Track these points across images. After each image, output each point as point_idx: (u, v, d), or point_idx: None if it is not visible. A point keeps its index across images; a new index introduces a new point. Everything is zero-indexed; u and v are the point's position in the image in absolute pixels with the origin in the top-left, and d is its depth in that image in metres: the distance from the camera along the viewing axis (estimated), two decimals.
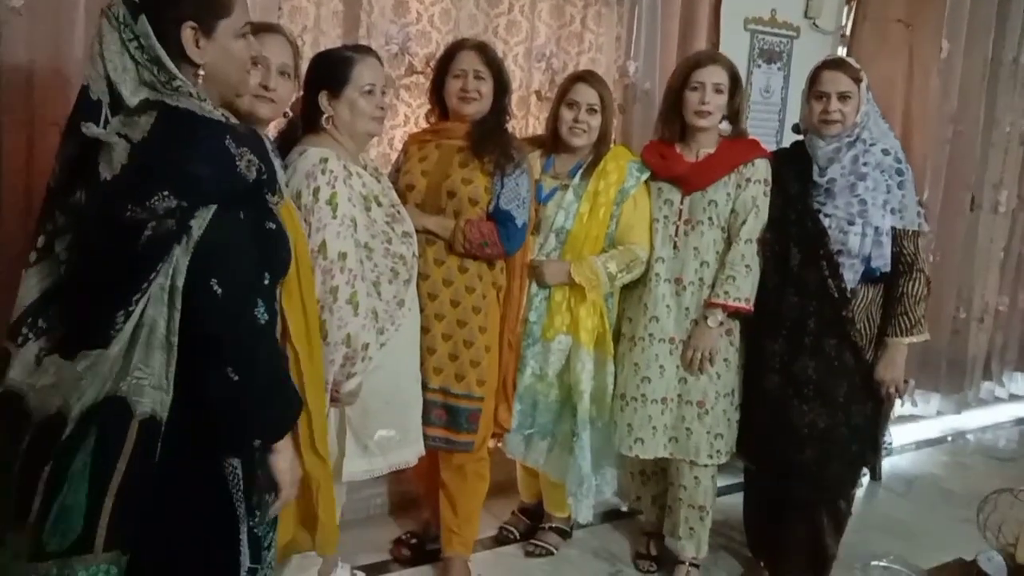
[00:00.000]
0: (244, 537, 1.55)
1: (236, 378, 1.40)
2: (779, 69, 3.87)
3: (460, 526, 2.68)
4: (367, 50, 2.27)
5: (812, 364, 2.51)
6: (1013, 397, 5.16)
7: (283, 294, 1.88)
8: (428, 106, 2.66)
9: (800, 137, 2.67)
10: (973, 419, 4.77)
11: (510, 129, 2.64)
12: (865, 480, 2.75)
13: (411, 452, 2.41)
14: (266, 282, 1.53)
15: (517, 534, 3.03)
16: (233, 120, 1.48)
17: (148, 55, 1.40)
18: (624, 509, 3.19)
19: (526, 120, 3.16)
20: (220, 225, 1.39)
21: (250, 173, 1.42)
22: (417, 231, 2.41)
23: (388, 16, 2.82)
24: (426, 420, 2.50)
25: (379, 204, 2.24)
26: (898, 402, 2.72)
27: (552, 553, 2.93)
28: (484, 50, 2.55)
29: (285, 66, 1.96)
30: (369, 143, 2.39)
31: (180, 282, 1.36)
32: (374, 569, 2.75)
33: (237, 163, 1.41)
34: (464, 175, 2.49)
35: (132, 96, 1.40)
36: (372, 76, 2.17)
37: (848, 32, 4.04)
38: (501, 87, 2.55)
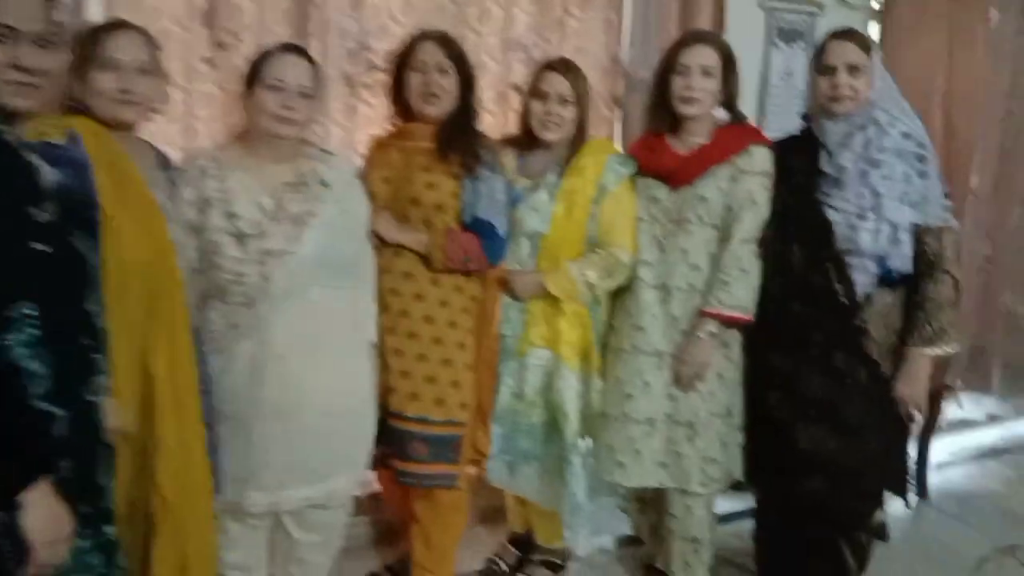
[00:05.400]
0: None
1: None
2: (802, 49, 3.53)
3: (434, 563, 2.44)
4: (292, 48, 2.11)
5: (818, 381, 2.22)
6: None
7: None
8: (389, 107, 2.44)
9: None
10: None
11: (484, 127, 2.41)
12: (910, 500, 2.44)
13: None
14: (26, 311, 1.37)
15: (506, 567, 2.78)
16: None
17: None
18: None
19: (505, 116, 2.92)
20: None
21: None
22: (389, 244, 2.24)
23: (344, 10, 2.61)
24: (403, 455, 2.30)
25: (231, 215, 2.01)
26: (918, 416, 2.41)
27: None
28: (446, 42, 2.33)
29: (141, 63, 1.82)
30: (286, 145, 2.06)
31: None
32: None
33: None
34: (428, 179, 2.28)
35: None
36: (284, 73, 2.00)
37: (880, 5, 3.69)
38: (466, 82, 2.33)
